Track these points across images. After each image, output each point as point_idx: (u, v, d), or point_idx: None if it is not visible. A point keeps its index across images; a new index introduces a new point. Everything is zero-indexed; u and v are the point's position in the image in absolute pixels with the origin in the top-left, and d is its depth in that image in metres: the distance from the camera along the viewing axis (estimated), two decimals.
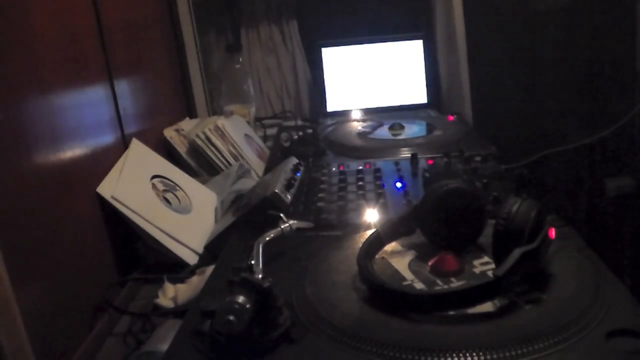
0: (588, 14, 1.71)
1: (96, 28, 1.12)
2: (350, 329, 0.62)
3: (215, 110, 1.80)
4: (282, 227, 0.82)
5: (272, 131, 1.73)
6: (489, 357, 0.56)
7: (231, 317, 0.59)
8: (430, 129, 1.51)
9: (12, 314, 0.70)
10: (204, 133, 1.42)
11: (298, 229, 0.85)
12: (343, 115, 1.77)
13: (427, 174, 1.11)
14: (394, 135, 1.48)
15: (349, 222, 0.96)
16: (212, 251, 1.05)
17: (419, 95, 1.90)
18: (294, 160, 1.19)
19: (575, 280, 0.68)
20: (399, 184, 1.11)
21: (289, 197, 1.03)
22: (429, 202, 0.79)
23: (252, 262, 0.68)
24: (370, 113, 1.75)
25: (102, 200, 1.01)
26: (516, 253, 0.63)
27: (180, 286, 0.96)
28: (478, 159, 1.19)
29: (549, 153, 1.19)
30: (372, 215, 0.95)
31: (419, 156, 1.22)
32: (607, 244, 1.67)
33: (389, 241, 0.80)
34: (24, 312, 0.72)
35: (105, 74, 1.14)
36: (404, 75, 1.90)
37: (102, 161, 1.07)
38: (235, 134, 1.48)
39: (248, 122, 1.69)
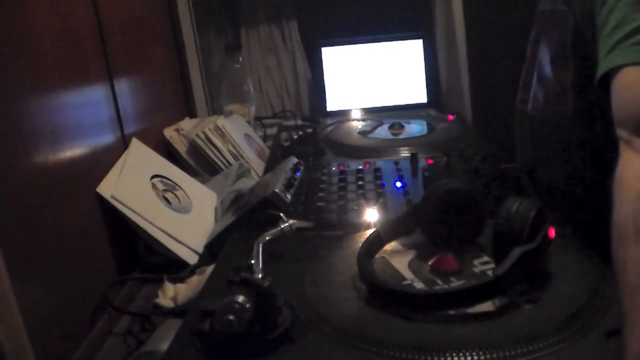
0: None
1: (96, 28, 1.12)
2: (350, 329, 0.62)
3: (215, 110, 1.80)
4: (282, 227, 0.82)
5: (272, 131, 1.73)
6: (489, 356, 0.56)
7: (231, 317, 0.59)
8: (430, 128, 1.51)
9: (12, 314, 0.70)
10: (204, 133, 1.42)
11: (298, 229, 0.85)
12: (343, 114, 1.77)
13: (427, 174, 1.11)
14: (394, 135, 1.48)
15: (349, 222, 0.96)
16: (212, 251, 1.05)
17: (418, 95, 1.90)
18: (294, 160, 1.19)
19: (575, 280, 0.68)
20: (399, 184, 1.11)
21: (289, 197, 1.03)
22: (429, 201, 0.79)
23: (252, 262, 0.68)
24: (370, 112, 1.75)
25: (102, 200, 1.01)
26: (516, 252, 0.63)
27: (180, 286, 0.96)
28: (478, 159, 1.20)
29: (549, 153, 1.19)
30: (372, 215, 0.95)
31: (419, 156, 1.22)
32: (607, 244, 1.66)
33: (389, 241, 0.80)
34: (24, 312, 0.72)
35: (105, 74, 1.14)
36: (404, 75, 1.90)
37: (102, 161, 1.07)
38: (235, 133, 1.48)
39: (248, 122, 1.69)
